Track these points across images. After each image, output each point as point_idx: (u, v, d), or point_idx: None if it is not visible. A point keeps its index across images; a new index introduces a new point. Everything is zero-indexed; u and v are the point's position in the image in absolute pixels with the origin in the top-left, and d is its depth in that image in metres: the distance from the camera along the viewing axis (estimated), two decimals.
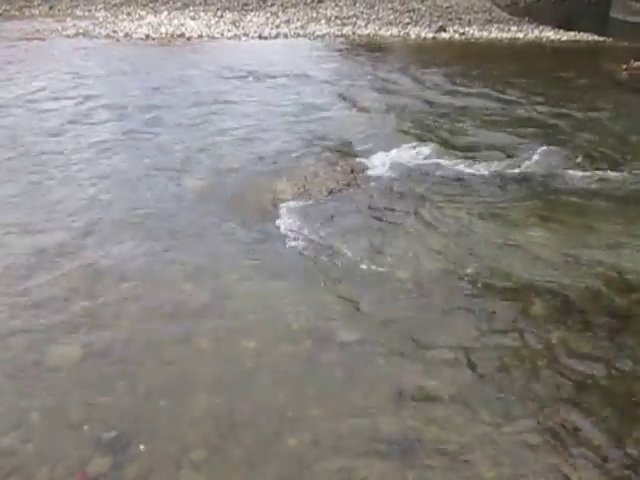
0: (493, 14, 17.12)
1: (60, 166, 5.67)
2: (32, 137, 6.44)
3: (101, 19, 14.79)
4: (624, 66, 10.42)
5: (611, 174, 5.75)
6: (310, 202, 5.02)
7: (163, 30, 13.57)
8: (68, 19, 14.67)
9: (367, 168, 5.76)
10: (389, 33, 14.24)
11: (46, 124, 6.88)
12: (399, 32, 14.34)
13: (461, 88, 9.19)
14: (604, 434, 2.77)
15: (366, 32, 14.32)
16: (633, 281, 3.93)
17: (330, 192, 5.19)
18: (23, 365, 3.14)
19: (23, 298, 3.66)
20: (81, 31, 13.18)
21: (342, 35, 13.93)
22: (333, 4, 17.54)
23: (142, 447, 2.67)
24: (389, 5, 17.54)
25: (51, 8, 16.11)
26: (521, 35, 14.43)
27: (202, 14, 15.74)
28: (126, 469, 2.58)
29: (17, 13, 15.53)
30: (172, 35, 13.25)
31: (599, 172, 5.80)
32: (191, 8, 16.50)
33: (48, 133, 6.59)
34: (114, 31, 13.32)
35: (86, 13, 15.70)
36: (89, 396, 2.95)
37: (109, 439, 2.71)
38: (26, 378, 3.07)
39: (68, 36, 12.72)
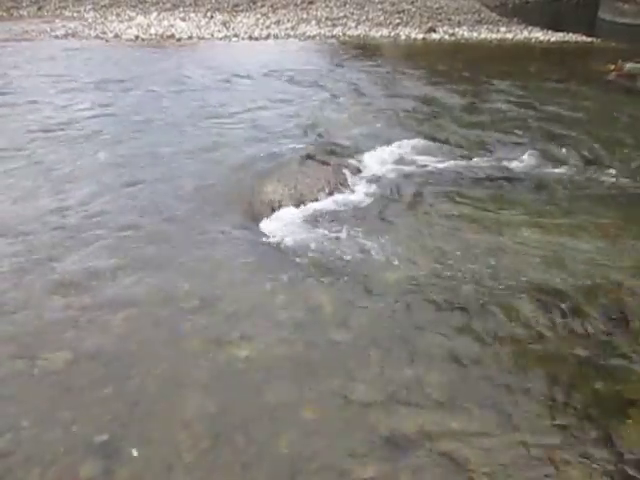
0: (482, 15, 17.22)
1: (47, 169, 5.62)
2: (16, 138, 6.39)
3: (90, 20, 14.70)
4: (612, 67, 10.50)
5: (601, 173, 5.80)
6: (301, 202, 5.01)
7: (153, 31, 13.51)
8: (57, 20, 14.58)
9: (358, 168, 5.76)
10: (379, 34, 14.27)
11: (33, 126, 6.83)
12: (389, 33, 14.37)
13: (452, 88, 9.23)
14: (595, 433, 2.78)
15: (356, 33, 14.34)
16: (625, 281, 3.96)
17: (321, 192, 5.19)
18: (12, 368, 3.11)
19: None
20: (70, 32, 13.09)
21: (333, 36, 13.95)
22: (323, 5, 17.56)
23: (133, 450, 2.64)
24: (379, 6, 17.59)
25: (39, 9, 16.00)
26: (510, 36, 14.51)
27: (192, 15, 15.69)
28: (117, 473, 2.55)
29: (4, 14, 15.41)
30: (162, 36, 13.20)
31: (589, 171, 5.85)
32: (181, 9, 16.45)
33: (36, 135, 6.54)
34: (103, 32, 13.25)
35: (75, 14, 15.60)
36: (79, 399, 2.92)
37: (100, 443, 2.68)
38: (16, 382, 3.04)
39: (57, 37, 12.64)
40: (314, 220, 4.73)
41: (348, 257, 4.17)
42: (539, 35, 14.64)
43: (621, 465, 2.62)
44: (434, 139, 6.72)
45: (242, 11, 16.57)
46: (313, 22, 15.41)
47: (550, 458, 2.64)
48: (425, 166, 5.86)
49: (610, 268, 4.10)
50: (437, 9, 17.48)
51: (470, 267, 4.09)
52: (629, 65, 10.36)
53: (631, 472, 2.59)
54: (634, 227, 4.75)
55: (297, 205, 4.96)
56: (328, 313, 3.63)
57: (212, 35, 13.53)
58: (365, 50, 12.57)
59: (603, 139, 6.93)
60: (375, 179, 5.53)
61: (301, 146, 6.30)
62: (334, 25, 15.06)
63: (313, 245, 4.31)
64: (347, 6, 17.55)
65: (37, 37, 12.55)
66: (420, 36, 14.18)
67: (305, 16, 16.08)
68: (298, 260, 4.16)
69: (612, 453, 2.68)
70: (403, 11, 17.08)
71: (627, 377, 3.14)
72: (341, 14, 16.49)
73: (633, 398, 2.99)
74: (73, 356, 3.19)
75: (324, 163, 5.75)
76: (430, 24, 15.34)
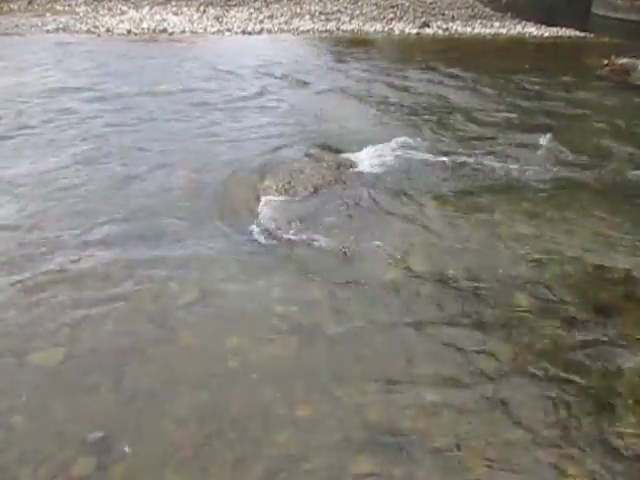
0: (476, 10, 17.21)
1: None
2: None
3: (81, 14, 14.58)
4: (605, 62, 10.52)
5: (595, 169, 5.81)
6: (296, 199, 4.99)
7: (145, 25, 13.43)
8: (48, 14, 14.46)
9: (353, 164, 5.75)
10: (373, 29, 14.24)
11: (24, 122, 6.78)
12: (383, 28, 14.34)
13: (445, 84, 9.22)
14: (588, 428, 2.79)
15: (350, 28, 14.30)
16: (617, 275, 3.97)
17: (316, 188, 5.17)
18: (5, 366, 3.10)
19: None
20: (61, 26, 12.99)
21: (326, 31, 13.90)
22: None
23: (127, 447, 2.63)
24: (373, 0, 17.53)
25: (30, 3, 15.85)
26: (504, 31, 14.52)
27: (185, 9, 15.60)
28: (111, 470, 2.54)
29: None
30: (154, 30, 13.12)
31: (583, 167, 5.85)
32: (173, 3, 16.34)
33: (28, 131, 6.48)
34: (95, 26, 13.16)
35: (66, 8, 15.48)
36: (73, 396, 2.91)
37: (94, 440, 2.67)
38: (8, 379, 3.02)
39: (48, 31, 12.54)
40: (307, 216, 4.71)
41: (341, 252, 4.16)
42: (532, 30, 14.65)
43: (615, 458, 2.63)
44: (427, 135, 6.71)
45: (235, 5, 16.48)
46: (307, 17, 15.35)
47: (545, 452, 2.65)
48: (418, 161, 5.85)
49: (604, 262, 4.11)
50: (431, 4, 17.44)
51: (463, 262, 4.09)
52: (622, 60, 10.39)
53: (627, 468, 2.60)
54: (626, 221, 4.77)
55: (291, 201, 4.95)
56: (322, 307, 3.62)
57: (205, 30, 13.45)
58: (359, 45, 12.54)
59: (596, 134, 6.95)
60: (369, 175, 5.52)
61: (295, 142, 6.28)
62: (328, 20, 15.00)
63: (306, 240, 4.30)
64: (341, 0, 17.49)
65: (28, 31, 12.45)
66: (414, 31, 14.16)
67: (299, 10, 16.02)
68: (291, 255, 4.15)
69: (606, 446, 2.69)
70: (397, 6, 17.04)
71: (619, 371, 3.15)
72: (335, 8, 16.43)
73: (628, 392, 3.00)
74: (66, 351, 3.18)
75: (319, 159, 5.74)
76: (424, 19, 15.32)
